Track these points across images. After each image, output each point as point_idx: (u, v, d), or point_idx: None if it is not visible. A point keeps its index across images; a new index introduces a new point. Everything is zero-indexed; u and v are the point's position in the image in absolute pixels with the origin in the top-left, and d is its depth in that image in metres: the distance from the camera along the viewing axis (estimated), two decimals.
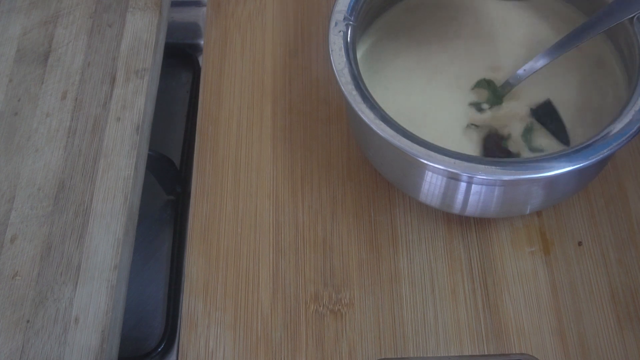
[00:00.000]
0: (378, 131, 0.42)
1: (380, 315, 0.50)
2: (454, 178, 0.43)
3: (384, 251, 0.52)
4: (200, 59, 0.67)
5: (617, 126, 0.41)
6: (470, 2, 0.54)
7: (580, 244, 0.52)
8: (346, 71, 0.45)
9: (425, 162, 0.41)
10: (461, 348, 0.49)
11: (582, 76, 0.51)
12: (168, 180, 0.65)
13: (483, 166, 0.41)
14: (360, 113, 0.43)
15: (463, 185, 0.44)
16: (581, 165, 0.40)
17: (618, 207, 0.53)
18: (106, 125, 0.55)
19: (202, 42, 0.68)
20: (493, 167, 0.41)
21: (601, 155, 0.40)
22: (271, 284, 0.52)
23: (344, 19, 0.47)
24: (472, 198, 0.45)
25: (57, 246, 0.50)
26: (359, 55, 0.48)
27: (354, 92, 0.44)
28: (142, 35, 0.60)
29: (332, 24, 0.47)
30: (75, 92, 0.57)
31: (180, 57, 0.73)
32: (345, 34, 0.46)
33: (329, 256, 0.52)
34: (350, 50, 0.46)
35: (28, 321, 0.48)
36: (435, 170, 0.43)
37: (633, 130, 0.41)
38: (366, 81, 0.45)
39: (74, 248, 0.50)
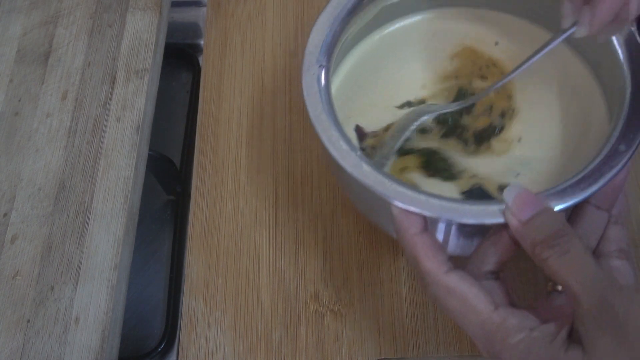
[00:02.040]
0: (357, 177, 0.40)
1: (380, 315, 0.50)
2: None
3: (384, 251, 0.52)
4: (200, 59, 0.67)
5: (595, 165, 0.39)
6: (447, 25, 0.52)
7: None
8: (323, 117, 0.42)
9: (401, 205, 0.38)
10: (461, 348, 0.49)
11: (561, 107, 0.48)
12: (168, 180, 0.66)
13: (461, 207, 0.38)
14: (339, 160, 0.40)
15: (441, 225, 0.41)
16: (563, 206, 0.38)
17: None
18: (106, 125, 0.56)
19: (202, 42, 0.68)
20: (467, 208, 0.38)
21: (579, 198, 0.38)
22: (271, 284, 0.52)
23: (317, 61, 0.45)
24: (452, 240, 0.42)
25: (58, 246, 0.50)
26: (334, 87, 0.47)
27: (333, 138, 0.41)
28: (142, 35, 0.60)
29: (305, 67, 0.45)
30: (76, 92, 0.57)
31: (180, 57, 0.73)
32: (319, 76, 0.44)
33: (329, 256, 0.52)
34: (324, 93, 0.44)
35: (28, 321, 0.48)
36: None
37: (611, 174, 0.39)
38: (343, 109, 0.44)
39: (74, 248, 0.50)
